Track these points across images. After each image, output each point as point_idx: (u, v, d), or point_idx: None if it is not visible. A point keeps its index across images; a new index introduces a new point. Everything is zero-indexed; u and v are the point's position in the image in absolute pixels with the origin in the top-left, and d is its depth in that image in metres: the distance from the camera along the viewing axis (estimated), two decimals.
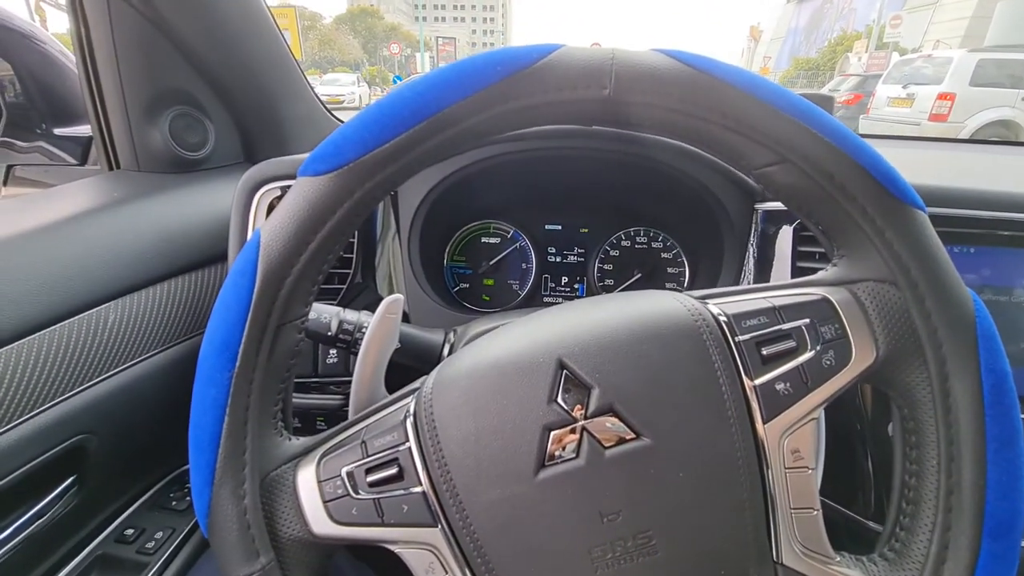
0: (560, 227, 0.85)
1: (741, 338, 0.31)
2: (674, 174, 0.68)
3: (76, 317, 0.54)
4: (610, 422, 0.29)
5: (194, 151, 0.74)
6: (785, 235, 0.66)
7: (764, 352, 0.31)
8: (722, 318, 0.32)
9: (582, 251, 0.85)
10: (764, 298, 0.33)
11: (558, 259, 0.85)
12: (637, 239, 0.84)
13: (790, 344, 0.31)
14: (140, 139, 0.71)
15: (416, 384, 0.34)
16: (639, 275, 0.82)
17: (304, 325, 0.33)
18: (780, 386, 0.30)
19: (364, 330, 0.52)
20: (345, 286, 0.69)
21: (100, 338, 0.56)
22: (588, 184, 0.79)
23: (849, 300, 0.32)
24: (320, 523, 0.31)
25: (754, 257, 0.69)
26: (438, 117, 0.29)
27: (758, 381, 0.30)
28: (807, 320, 0.32)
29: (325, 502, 0.31)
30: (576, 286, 0.85)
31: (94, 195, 0.64)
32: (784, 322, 0.32)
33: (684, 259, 0.83)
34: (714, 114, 0.30)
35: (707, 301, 0.33)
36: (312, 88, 0.87)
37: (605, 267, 0.84)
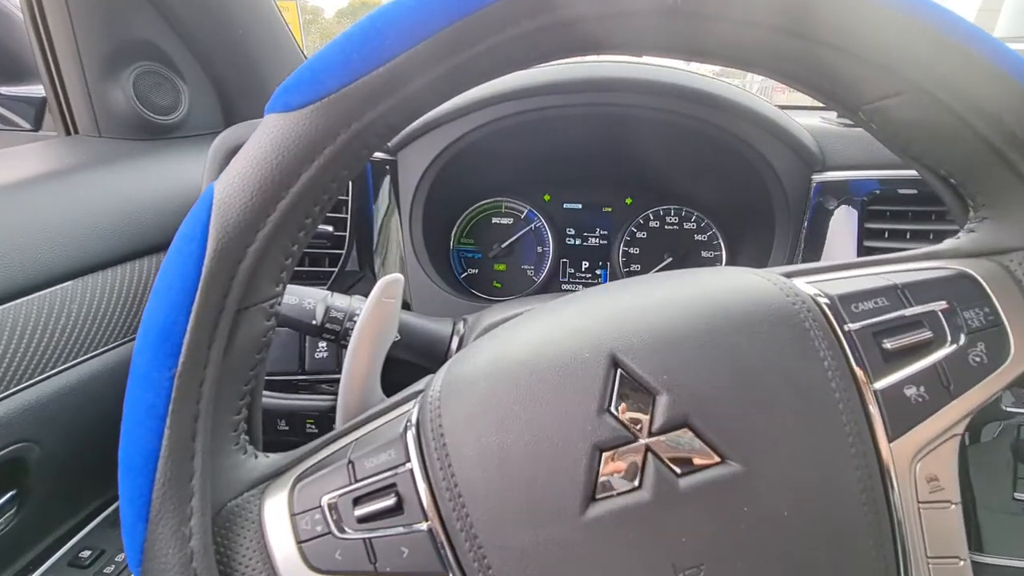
0: (580, 206, 0.77)
1: (853, 326, 0.25)
2: (718, 137, 0.59)
3: (12, 303, 0.45)
4: (684, 440, 0.22)
5: (164, 115, 0.65)
6: (846, 212, 0.57)
7: (887, 345, 0.24)
8: (822, 300, 0.25)
9: (605, 232, 0.76)
10: (877, 274, 0.27)
11: (578, 241, 0.76)
12: (667, 219, 0.75)
13: (923, 335, 0.24)
14: (99, 99, 0.61)
15: (419, 385, 0.29)
16: (670, 259, 0.74)
17: (275, 309, 0.27)
18: (911, 391, 0.24)
19: (356, 319, 0.43)
20: (336, 269, 0.60)
21: (43, 329, 0.47)
22: (612, 155, 0.70)
23: (1001, 275, 0.26)
24: (293, 570, 0.24)
25: (804, 239, 0.60)
26: (453, 30, 0.23)
27: (881, 384, 0.24)
28: (944, 303, 0.25)
29: (300, 542, 0.25)
30: (598, 272, 0.76)
31: (42, 161, 0.55)
32: (910, 305, 0.25)
33: (721, 241, 0.74)
34: (825, 29, 0.23)
35: (794, 278, 0.27)
36: (302, 49, 0.78)
37: (631, 251, 0.75)
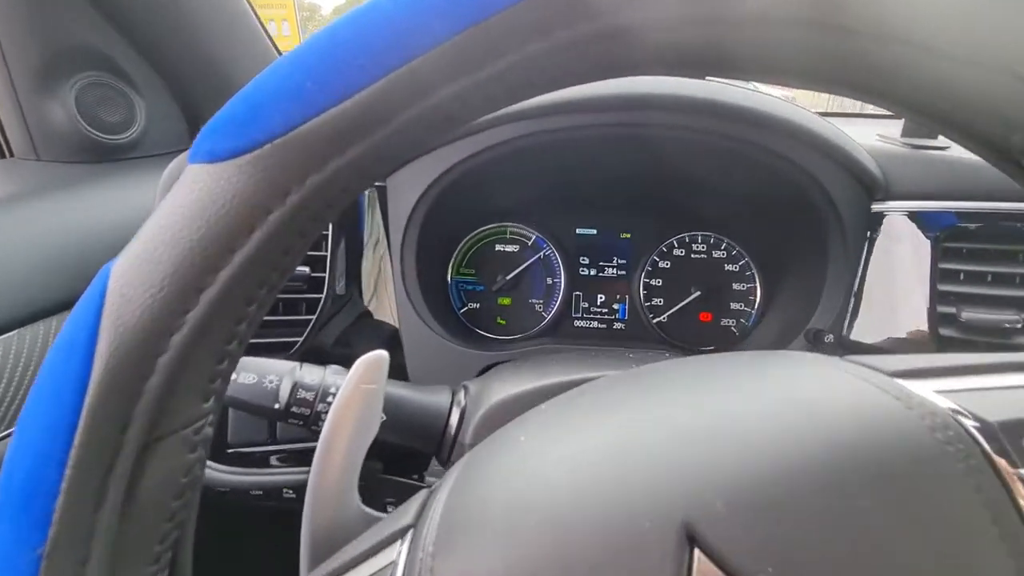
0: (595, 231, 0.68)
1: None
2: (758, 156, 0.50)
3: None
4: None
5: (115, 133, 0.56)
6: (915, 249, 0.48)
7: None
8: (971, 424, 0.17)
9: (623, 262, 0.67)
10: None
11: (593, 272, 0.68)
12: (694, 247, 0.66)
13: None
14: (35, 117, 0.52)
15: (407, 515, 0.22)
16: (698, 293, 0.65)
17: (200, 437, 0.20)
18: None
19: (331, 399, 0.35)
20: (315, 316, 0.51)
21: None
22: (631, 174, 0.62)
23: None
24: None
25: (862, 280, 0.51)
26: (452, 46, 0.17)
27: None
28: None
29: None
30: (616, 307, 0.67)
31: None
32: None
33: (755, 272, 0.65)
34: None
35: (912, 380, 0.19)
36: (281, 54, 0.69)
37: (653, 283, 0.66)
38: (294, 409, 0.35)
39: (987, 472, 0.17)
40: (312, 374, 0.36)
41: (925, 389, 0.20)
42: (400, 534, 0.22)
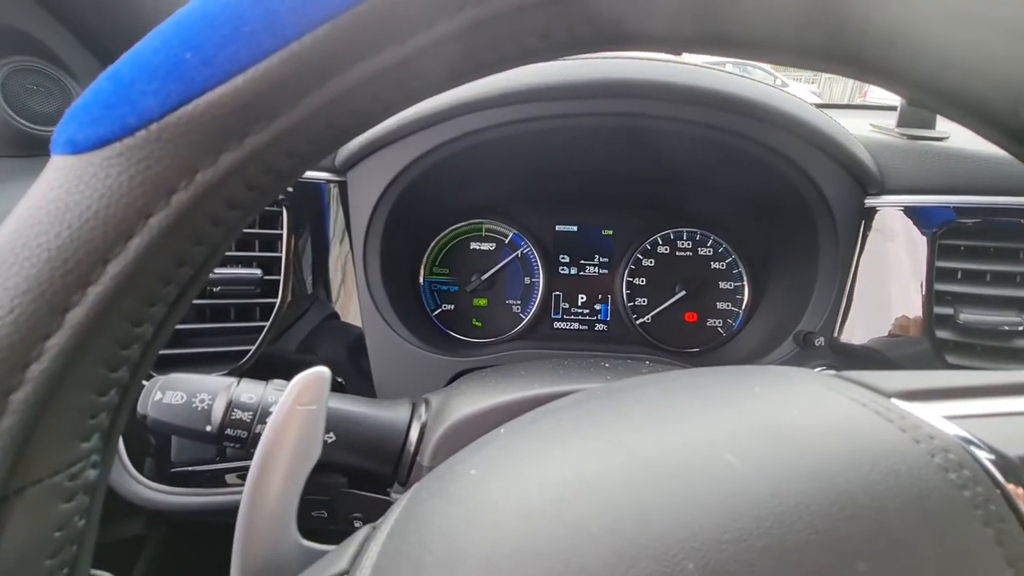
0: (576, 228, 0.65)
1: None
2: (746, 148, 0.46)
3: None
4: None
5: (49, 124, 0.51)
6: (910, 246, 0.45)
7: None
8: (985, 458, 0.15)
9: (605, 260, 0.64)
10: None
11: (573, 271, 0.64)
12: (679, 244, 0.63)
13: None
14: None
15: (349, 548, 0.19)
16: (683, 292, 0.61)
17: (78, 483, 0.17)
18: None
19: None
20: (268, 322, 0.47)
21: None
22: (613, 168, 0.58)
23: None
24: None
25: (855, 277, 0.48)
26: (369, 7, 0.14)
27: None
28: None
29: None
30: (597, 308, 0.64)
31: None
32: None
33: (742, 270, 0.62)
34: None
35: (917, 403, 0.17)
36: None
37: (636, 282, 0.63)
38: (229, 431, 0.31)
39: (1010, 521, 0.14)
40: (250, 391, 0.32)
41: (932, 414, 0.17)
42: None
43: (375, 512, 0.36)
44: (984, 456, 0.15)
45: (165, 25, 0.16)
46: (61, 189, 0.16)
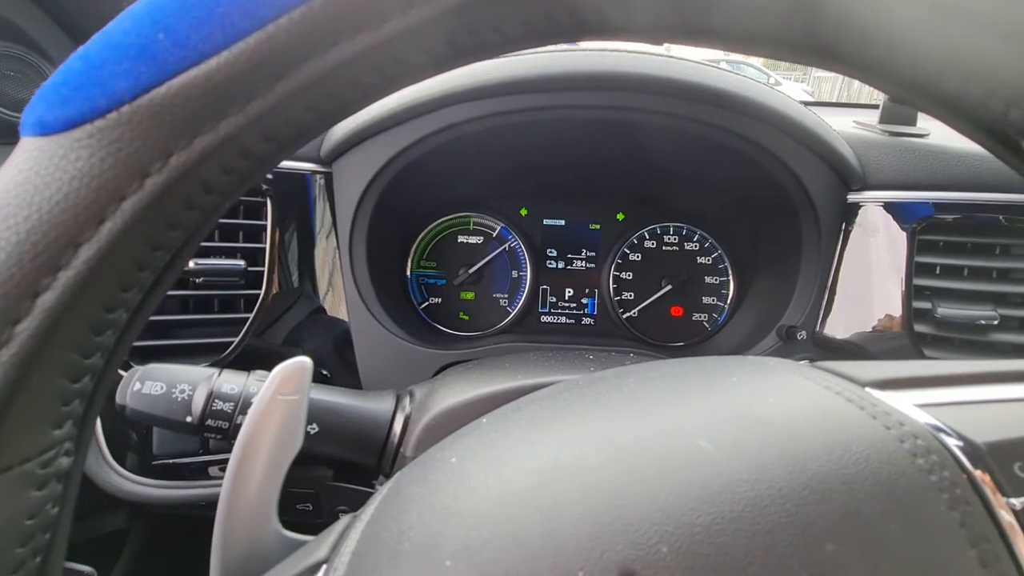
0: (563, 222, 0.65)
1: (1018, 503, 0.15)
2: (733, 144, 0.47)
3: None
4: None
5: None
6: (891, 241, 0.46)
7: None
8: (955, 446, 0.15)
9: (592, 254, 0.64)
10: None
11: (560, 264, 0.64)
12: (665, 238, 0.63)
13: None
14: None
15: (329, 537, 0.20)
16: (669, 287, 0.62)
17: (50, 470, 0.17)
18: None
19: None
20: (252, 314, 0.47)
21: None
22: (601, 162, 0.59)
23: None
24: None
25: (836, 272, 0.49)
26: None
27: None
28: None
29: None
30: (584, 301, 0.64)
31: None
32: None
33: (727, 265, 0.62)
34: None
35: (890, 392, 0.18)
36: None
37: (623, 276, 0.64)
38: (210, 422, 0.31)
39: (975, 504, 0.15)
40: (232, 382, 0.32)
41: (904, 403, 0.18)
42: (312, 571, 0.19)
43: (360, 505, 0.36)
44: (952, 442, 0.16)
45: (137, 5, 0.16)
46: (31, 171, 0.15)
